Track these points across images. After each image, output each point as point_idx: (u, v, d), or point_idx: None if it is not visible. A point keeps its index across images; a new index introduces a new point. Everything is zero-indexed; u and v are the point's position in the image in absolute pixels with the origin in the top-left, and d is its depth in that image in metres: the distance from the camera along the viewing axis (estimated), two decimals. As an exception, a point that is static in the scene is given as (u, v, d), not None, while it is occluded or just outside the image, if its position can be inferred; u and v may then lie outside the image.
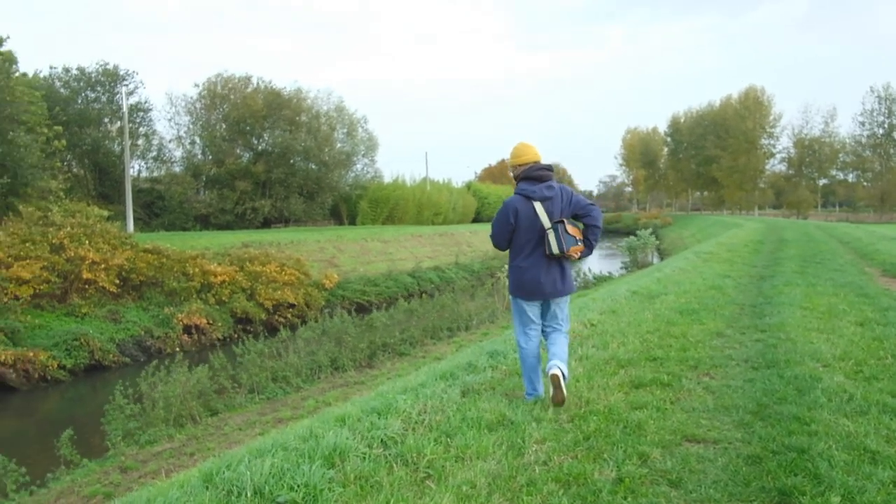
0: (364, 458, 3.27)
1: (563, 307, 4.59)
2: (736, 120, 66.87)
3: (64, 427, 12.08)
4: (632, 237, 34.74)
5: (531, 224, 4.39)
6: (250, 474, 2.94)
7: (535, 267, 4.42)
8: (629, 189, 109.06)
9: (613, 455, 3.32)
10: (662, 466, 3.20)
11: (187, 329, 18.84)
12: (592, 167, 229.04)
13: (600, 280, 27.45)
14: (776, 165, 72.61)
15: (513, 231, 4.45)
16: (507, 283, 20.19)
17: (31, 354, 14.87)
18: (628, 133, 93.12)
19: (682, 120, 79.34)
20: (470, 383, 4.72)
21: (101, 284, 18.30)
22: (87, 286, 18.38)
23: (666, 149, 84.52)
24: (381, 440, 3.50)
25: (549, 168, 4.49)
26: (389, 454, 3.33)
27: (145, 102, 37.50)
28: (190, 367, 11.85)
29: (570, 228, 4.33)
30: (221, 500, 2.81)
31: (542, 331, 4.60)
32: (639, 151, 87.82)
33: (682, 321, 7.18)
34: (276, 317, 21.53)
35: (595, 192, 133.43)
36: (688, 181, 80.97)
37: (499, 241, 4.58)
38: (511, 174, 4.70)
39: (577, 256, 4.40)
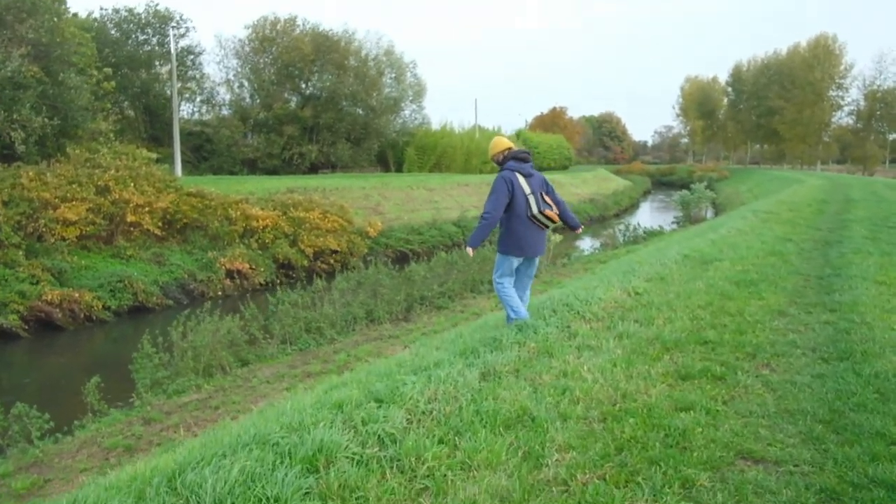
0: (354, 460, 2.80)
1: (537, 262, 5.97)
2: (803, 70, 62.93)
3: (105, 368, 12.24)
4: (685, 191, 33.28)
5: (521, 193, 5.41)
6: (213, 482, 2.50)
7: (527, 231, 5.45)
8: (685, 140, 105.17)
9: (650, 478, 2.72)
10: (711, 501, 2.57)
11: (230, 273, 18.83)
12: (647, 117, 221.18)
13: (651, 235, 26.40)
14: (843, 118, 68.50)
15: (508, 201, 5.37)
16: (550, 237, 19.60)
17: (77, 295, 15.05)
18: (687, 82, 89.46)
19: (745, 69, 75.42)
20: (492, 364, 4.19)
21: (145, 227, 18.38)
22: (132, 228, 18.49)
23: (726, 99, 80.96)
24: (378, 437, 3.02)
25: (528, 152, 5.76)
26: (384, 456, 2.85)
27: (196, 45, 37.31)
28: (230, 313, 11.71)
29: (545, 197, 5.53)
30: (176, 512, 2.39)
31: (517, 282, 5.75)
32: (697, 101, 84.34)
33: (738, 294, 6.43)
34: (319, 263, 21.39)
35: (649, 143, 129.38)
36: (747, 133, 77.42)
37: (497, 214, 5.42)
38: (495, 161, 5.80)
39: (556, 220, 5.53)
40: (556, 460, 2.88)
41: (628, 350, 4.64)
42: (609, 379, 3.97)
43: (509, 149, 5.71)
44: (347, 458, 2.81)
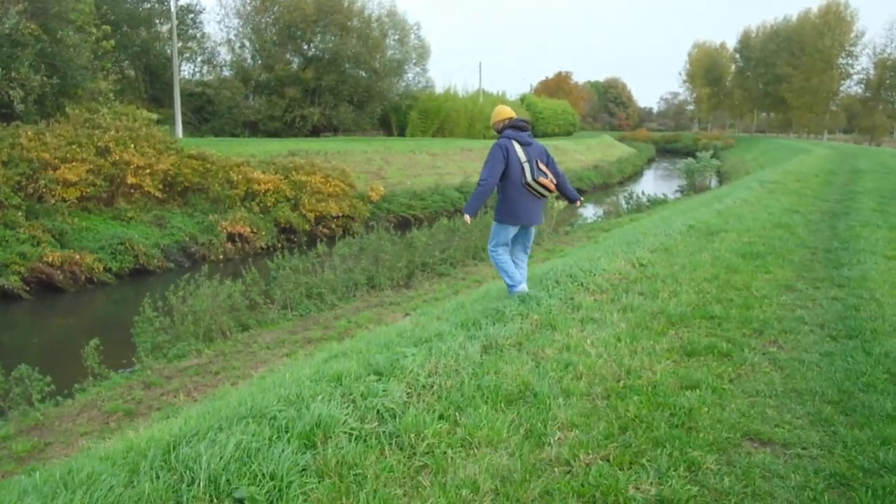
0: (352, 436, 2.74)
1: (533, 232, 5.89)
2: (813, 36, 61.71)
3: (106, 331, 12.25)
4: (690, 159, 32.91)
5: (516, 161, 5.38)
6: (208, 457, 2.44)
7: (522, 198, 5.41)
8: (691, 108, 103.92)
9: (655, 459, 2.65)
10: (718, 485, 2.50)
11: (231, 237, 18.76)
12: (653, 83, 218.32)
13: (654, 203, 26.20)
14: (852, 87, 67.41)
15: (504, 169, 5.36)
16: (552, 204, 19.42)
17: (78, 257, 15.01)
18: (695, 48, 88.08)
19: (753, 35, 74.09)
20: (494, 337, 4.12)
21: (146, 189, 18.25)
22: (132, 190, 18.36)
23: (733, 66, 79.71)
24: (378, 412, 2.96)
25: (526, 121, 5.67)
26: (384, 432, 2.79)
27: (195, 4, 36.59)
28: (231, 277, 11.65)
29: (541, 166, 5.44)
30: (170, 488, 2.34)
31: (513, 252, 5.71)
32: (704, 68, 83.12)
33: (744, 267, 6.32)
34: (321, 228, 21.31)
35: (655, 110, 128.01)
36: (754, 101, 76.43)
37: (493, 181, 5.38)
38: (495, 129, 5.72)
39: (552, 188, 5.51)
40: (559, 439, 2.82)
41: (633, 324, 4.56)
42: (613, 354, 3.90)
43: (511, 118, 5.65)
44: (346, 433, 2.75)
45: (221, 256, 18.23)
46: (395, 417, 2.93)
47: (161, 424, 3.42)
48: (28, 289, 13.99)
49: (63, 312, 14.30)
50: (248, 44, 40.36)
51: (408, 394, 3.23)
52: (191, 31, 36.87)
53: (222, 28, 44.92)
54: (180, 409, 6.50)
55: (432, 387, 3.32)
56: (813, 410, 3.16)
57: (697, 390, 3.29)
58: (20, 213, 15.11)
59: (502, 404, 3.15)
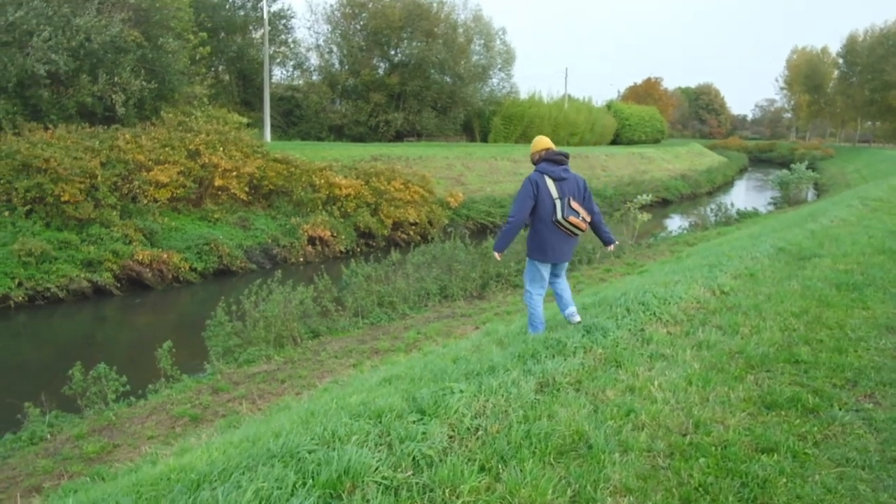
0: (382, 486, 2.56)
1: (566, 266, 5.70)
2: (926, 40, 57.25)
3: (188, 329, 12.69)
4: (785, 170, 31.12)
5: (547, 196, 5.22)
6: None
7: (552, 236, 5.27)
8: (788, 115, 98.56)
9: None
10: None
11: (311, 240, 19.16)
12: (748, 90, 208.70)
13: (744, 216, 24.94)
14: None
15: (534, 204, 5.22)
16: (636, 215, 18.71)
17: (166, 256, 15.68)
18: (794, 53, 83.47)
19: (860, 39, 69.38)
20: (551, 373, 3.84)
21: (232, 191, 18.89)
22: (219, 192, 19.06)
23: (836, 72, 74.89)
24: (414, 458, 2.76)
25: (565, 155, 5.43)
26: (417, 484, 2.59)
27: (287, 9, 37.82)
28: (310, 280, 11.82)
29: (573, 204, 5.22)
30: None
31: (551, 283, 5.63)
32: (804, 74, 78.63)
33: (839, 301, 5.73)
34: (399, 233, 21.47)
35: (749, 117, 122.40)
36: (858, 109, 71.53)
37: (522, 216, 5.26)
38: (532, 160, 5.54)
39: (584, 227, 5.30)
40: (610, 507, 2.53)
41: (707, 364, 4.16)
42: (681, 401, 3.55)
43: (548, 149, 5.46)
44: (376, 482, 2.57)
45: (301, 259, 18.63)
46: (431, 466, 2.72)
47: (200, 451, 3.35)
48: (119, 285, 14.73)
49: (150, 310, 14.96)
50: (335, 49, 41.35)
51: (450, 437, 3.02)
52: (282, 36, 38.12)
53: (312, 34, 46.43)
54: (242, 419, 6.57)
55: (477, 430, 3.10)
56: (915, 489, 2.70)
57: (775, 455, 2.88)
58: (115, 213, 15.93)
59: (551, 457, 2.89)
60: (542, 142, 5.57)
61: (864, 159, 48.97)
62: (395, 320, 11.82)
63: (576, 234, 5.36)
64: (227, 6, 35.62)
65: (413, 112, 39.84)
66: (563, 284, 5.65)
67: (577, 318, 5.39)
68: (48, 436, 6.72)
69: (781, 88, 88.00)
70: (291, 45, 39.30)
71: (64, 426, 6.99)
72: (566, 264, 5.68)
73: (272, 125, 32.82)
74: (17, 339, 12.17)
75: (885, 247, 8.73)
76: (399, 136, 40.01)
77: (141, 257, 15.25)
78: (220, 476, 2.60)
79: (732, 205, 26.10)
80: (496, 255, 5.61)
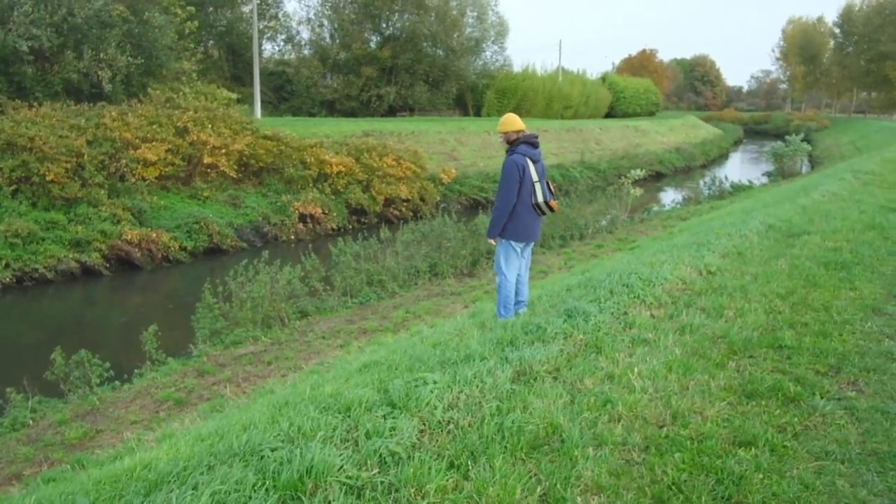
0: (346, 487, 2.49)
1: (531, 248, 5.93)
2: (923, 10, 56.64)
3: (177, 310, 12.60)
4: (779, 142, 30.89)
5: (529, 180, 5.36)
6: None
7: (529, 216, 5.44)
8: (784, 87, 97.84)
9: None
10: None
11: (302, 217, 19.00)
12: (743, 61, 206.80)
13: (737, 190, 24.80)
14: (967, 64, 61.43)
15: (519, 185, 5.33)
16: (629, 190, 18.55)
17: (155, 235, 15.51)
18: (790, 23, 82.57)
19: (856, 9, 68.65)
20: (529, 361, 3.76)
21: (222, 169, 18.67)
22: (209, 170, 18.84)
23: (832, 42, 74.27)
24: (381, 456, 2.68)
25: (537, 136, 5.65)
26: (381, 484, 2.52)
27: (277, -18, 37.13)
28: (300, 258, 11.70)
29: (552, 187, 5.54)
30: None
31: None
32: (799, 45, 77.91)
33: (826, 281, 5.64)
34: (391, 210, 21.31)
35: (745, 89, 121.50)
36: (854, 80, 71.04)
37: (511, 200, 5.35)
38: (501, 139, 5.62)
39: (557, 210, 5.72)
40: (580, 504, 2.46)
41: (688, 350, 4.09)
42: (660, 390, 3.47)
43: (522, 130, 5.56)
44: (339, 482, 2.49)
45: (293, 237, 18.50)
46: (398, 464, 2.65)
47: (168, 445, 3.28)
48: (108, 265, 14.58)
49: (139, 290, 14.86)
50: (326, 22, 40.74)
51: (420, 431, 2.95)
52: (272, 9, 37.51)
53: (302, 6, 45.84)
54: (226, 404, 6.51)
55: (448, 424, 3.02)
56: None
57: (753, 448, 2.80)
58: (103, 192, 15.73)
59: (523, 452, 2.82)
60: (517, 121, 5.62)
61: (860, 130, 48.70)
62: (384, 299, 11.73)
63: (544, 214, 5.59)
64: (215, -21, 34.98)
65: (405, 86, 39.40)
66: (527, 265, 5.80)
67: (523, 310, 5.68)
68: (30, 422, 6.66)
69: (777, 59, 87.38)
70: (282, 19, 38.71)
71: (47, 411, 6.93)
72: (531, 249, 5.91)
73: (263, 101, 32.41)
74: (4, 320, 12.08)
75: (875, 222, 8.64)
76: (391, 111, 39.62)
77: (130, 237, 15.08)
78: (178, 476, 2.52)
79: (726, 178, 25.94)
80: (490, 241, 5.73)
